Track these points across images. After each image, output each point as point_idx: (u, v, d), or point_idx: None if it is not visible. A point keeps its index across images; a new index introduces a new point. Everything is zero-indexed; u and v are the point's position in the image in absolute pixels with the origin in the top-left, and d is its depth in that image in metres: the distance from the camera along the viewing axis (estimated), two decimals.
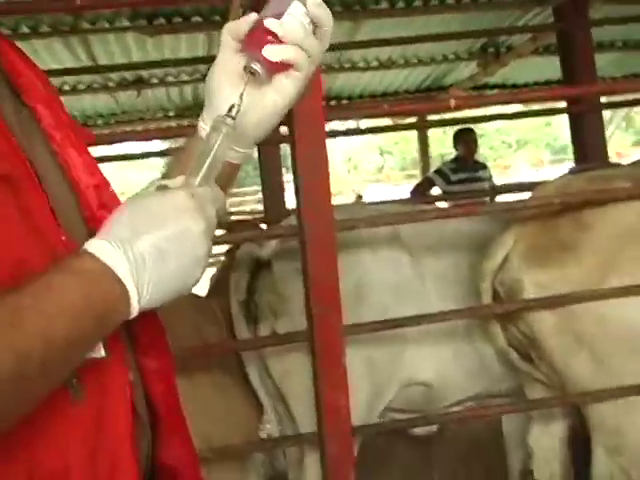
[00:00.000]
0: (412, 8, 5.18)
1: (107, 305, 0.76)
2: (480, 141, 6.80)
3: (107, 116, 7.41)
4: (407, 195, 6.75)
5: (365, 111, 3.31)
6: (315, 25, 0.93)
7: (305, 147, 2.08)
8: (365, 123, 11.63)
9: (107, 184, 0.97)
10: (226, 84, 0.96)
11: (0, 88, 0.90)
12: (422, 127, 8.17)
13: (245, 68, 0.92)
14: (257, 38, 0.91)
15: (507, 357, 2.88)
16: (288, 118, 2.17)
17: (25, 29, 4.70)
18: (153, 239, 0.79)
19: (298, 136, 2.06)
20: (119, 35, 5.07)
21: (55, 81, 5.70)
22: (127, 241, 0.78)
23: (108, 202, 0.94)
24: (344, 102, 7.73)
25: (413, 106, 4.59)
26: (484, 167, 6.65)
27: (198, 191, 0.84)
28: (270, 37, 0.91)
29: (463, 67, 6.98)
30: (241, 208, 12.81)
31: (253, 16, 0.93)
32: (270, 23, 0.90)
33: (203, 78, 6.26)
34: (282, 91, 0.95)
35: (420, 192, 6.45)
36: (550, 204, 2.59)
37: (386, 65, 6.65)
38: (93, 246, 0.79)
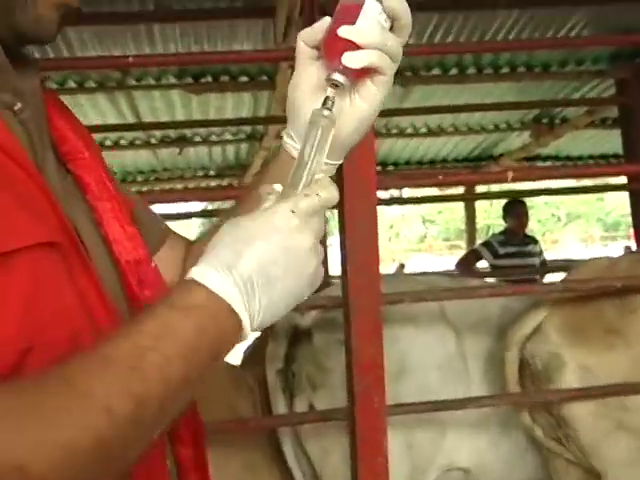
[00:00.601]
0: (465, 75, 5.22)
1: (222, 338, 0.77)
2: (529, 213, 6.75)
3: (147, 172, 7.53)
4: (451, 267, 6.69)
5: (419, 181, 3.28)
6: (392, 20, 0.90)
7: (355, 215, 2.06)
8: (409, 191, 11.63)
9: (148, 259, 0.96)
10: (309, 94, 0.95)
11: (46, 153, 0.90)
12: (471, 199, 8.14)
13: (327, 80, 0.89)
14: (334, 45, 0.88)
15: (534, 436, 2.82)
16: (337, 182, 2.15)
17: (72, 84, 4.82)
18: (259, 261, 0.78)
19: (348, 203, 2.04)
20: (165, 92, 5.18)
21: (97, 136, 5.83)
22: (233, 266, 0.77)
23: (147, 278, 0.93)
24: (389, 169, 7.77)
25: (467, 177, 4.56)
26: (535, 242, 6.57)
27: (301, 205, 0.81)
28: (348, 42, 0.87)
29: (515, 137, 6.99)
30: None
31: (327, 20, 0.91)
32: (345, 32, 0.87)
33: (248, 138, 6.38)
34: (368, 97, 0.93)
35: (466, 265, 6.38)
36: (610, 286, 2.52)
37: (435, 132, 6.69)
38: (199, 275, 0.78)
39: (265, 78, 5.02)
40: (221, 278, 0.77)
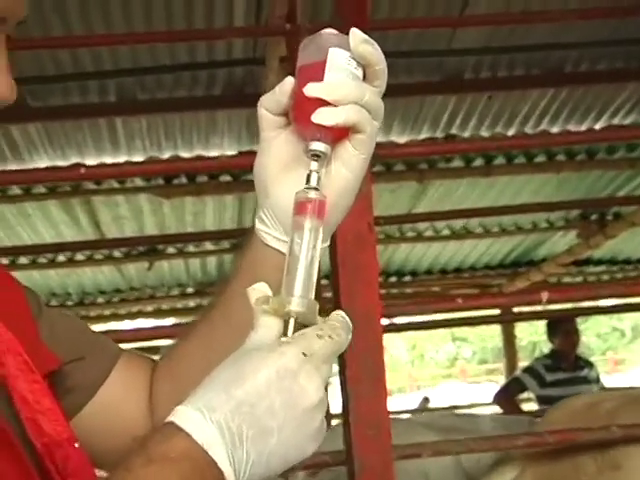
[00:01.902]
0: (492, 166, 5.30)
1: None
2: (584, 326, 6.74)
3: (111, 292, 7.56)
4: (489, 397, 6.64)
5: (433, 306, 3.30)
6: (364, 67, 0.91)
7: (357, 351, 2.06)
8: None
9: (71, 438, 0.97)
10: (281, 171, 0.96)
11: None
12: (507, 321, 8.14)
13: (306, 152, 0.90)
14: (304, 108, 0.89)
15: None
16: None
17: (17, 190, 4.90)
18: (253, 408, 0.80)
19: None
20: (130, 197, 5.26)
21: (50, 250, 5.89)
22: (220, 409, 0.79)
23: (69, 464, 0.94)
24: (406, 279, 7.80)
25: (493, 299, 4.59)
26: (590, 365, 6.52)
27: (315, 348, 0.82)
28: (319, 102, 0.88)
29: (559, 238, 7.04)
30: None
31: (289, 81, 0.92)
32: (312, 89, 0.88)
33: (232, 248, 6.44)
34: (349, 162, 0.94)
35: (507, 397, 6.32)
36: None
37: (460, 234, 6.74)
38: (181, 417, 0.80)
39: (252, 177, 5.10)
40: (204, 421, 0.79)
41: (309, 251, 0.88)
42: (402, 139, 4.79)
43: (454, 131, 4.79)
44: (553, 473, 2.70)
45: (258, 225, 1.00)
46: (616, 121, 4.84)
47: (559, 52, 4.16)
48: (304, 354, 0.82)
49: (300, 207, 0.89)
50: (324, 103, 0.88)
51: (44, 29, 3.45)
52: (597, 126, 4.87)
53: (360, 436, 2.16)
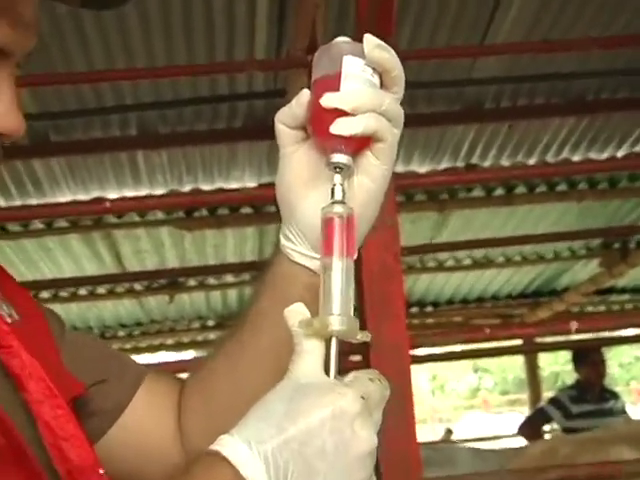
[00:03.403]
0: (513, 195, 5.29)
1: None
2: (606, 356, 6.67)
3: (131, 326, 7.57)
4: (512, 429, 6.58)
5: (460, 336, 3.28)
6: (380, 74, 0.89)
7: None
8: None
9: (95, 465, 0.96)
10: (303, 186, 0.95)
11: None
12: (531, 352, 8.10)
13: (328, 165, 0.89)
14: (323, 120, 0.87)
15: None
16: (363, 348, 2.16)
17: (38, 224, 4.92)
18: (303, 447, 0.78)
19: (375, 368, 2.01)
20: (151, 230, 5.28)
21: (71, 283, 5.91)
22: (269, 442, 0.78)
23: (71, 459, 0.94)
24: (428, 309, 7.77)
25: (522, 329, 4.58)
26: (616, 397, 6.45)
27: (369, 389, 0.81)
28: (337, 112, 0.86)
29: (581, 267, 7.00)
30: None
31: (305, 94, 0.90)
32: (329, 100, 0.86)
33: (252, 280, 6.43)
34: (371, 172, 0.92)
35: (531, 429, 6.26)
36: None
37: (481, 264, 6.72)
38: (228, 446, 0.79)
39: (273, 209, 5.12)
40: (251, 457, 0.77)
41: (344, 265, 0.86)
42: (423, 169, 4.79)
43: (475, 161, 4.78)
44: None
45: (284, 242, 0.99)
46: (638, 149, 4.82)
47: (580, 81, 4.16)
48: (362, 398, 0.80)
49: (328, 223, 0.87)
50: (342, 113, 0.86)
51: (67, 64, 3.48)
52: (619, 154, 4.86)
53: (390, 469, 2.14)
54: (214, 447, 0.80)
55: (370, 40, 0.87)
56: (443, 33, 3.68)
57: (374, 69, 0.88)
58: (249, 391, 0.91)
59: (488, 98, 4.25)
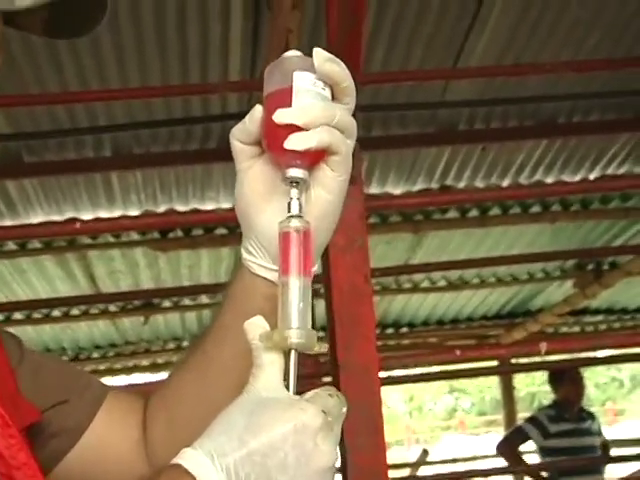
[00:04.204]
0: (487, 217, 5.32)
1: None
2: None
3: (106, 347, 7.53)
4: (489, 450, 6.57)
5: (431, 358, 3.30)
6: (331, 86, 0.89)
7: (354, 409, 2.04)
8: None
9: (32, 467, 0.96)
10: (260, 200, 0.97)
11: None
12: (505, 373, 8.12)
13: (284, 180, 0.90)
14: (276, 135, 0.89)
15: None
16: (333, 369, 2.16)
17: (12, 245, 4.90)
18: (264, 459, 0.79)
19: (345, 390, 2.02)
20: (126, 251, 5.26)
21: (45, 305, 5.88)
22: (231, 455, 0.79)
23: None
24: (403, 330, 7.78)
25: (491, 351, 4.60)
26: (592, 417, 6.45)
27: (329, 404, 0.83)
28: (290, 127, 0.88)
29: (555, 288, 7.04)
30: None
31: (258, 110, 0.92)
32: (281, 116, 0.87)
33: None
34: (328, 184, 0.93)
35: (509, 448, 6.25)
36: None
37: (456, 285, 6.74)
38: (190, 460, 0.80)
39: None
40: (213, 470, 0.78)
41: (300, 280, 0.87)
42: (397, 190, 4.80)
43: (449, 182, 4.80)
44: None
45: (245, 255, 1.00)
46: (610, 171, 4.85)
47: (552, 104, 4.18)
48: (324, 412, 0.81)
49: (284, 237, 0.89)
50: (295, 128, 0.87)
51: (40, 85, 3.47)
52: (591, 176, 4.89)
53: None
54: (176, 460, 0.80)
55: (320, 54, 0.88)
56: (416, 56, 3.70)
57: (325, 82, 0.89)
58: (213, 403, 0.91)
59: (461, 120, 4.27)
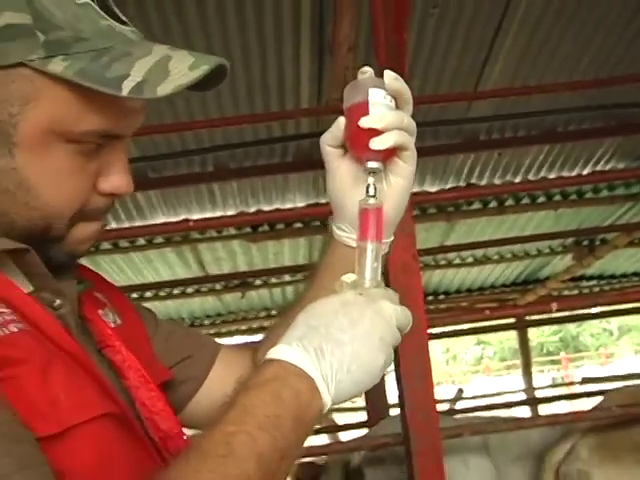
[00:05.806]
0: (504, 207, 5.23)
1: (299, 400, 0.77)
2: (580, 329, 6.57)
3: (214, 316, 7.58)
4: (510, 388, 6.48)
5: (466, 317, 3.24)
6: (395, 98, 0.91)
7: (408, 356, 2.02)
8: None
9: (180, 433, 0.96)
10: (348, 188, 0.97)
11: (87, 343, 0.92)
12: (521, 327, 7.98)
13: (365, 170, 0.91)
14: (359, 137, 0.89)
15: None
16: None
17: (142, 241, 4.96)
18: (327, 329, 0.80)
19: (401, 346, 1.99)
20: (226, 242, 5.28)
21: (167, 285, 5.94)
22: (303, 336, 0.80)
23: (162, 429, 0.93)
24: (441, 297, 7.69)
25: (513, 310, 4.53)
26: None
27: (367, 287, 0.85)
28: (370, 131, 0.88)
29: (558, 260, 6.88)
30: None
31: (342, 120, 0.93)
32: (366, 122, 0.88)
33: (304, 279, 6.42)
34: (402, 173, 0.95)
35: None
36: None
37: (481, 261, 6.63)
38: (273, 352, 0.81)
39: (318, 223, 5.10)
40: (290, 348, 0.79)
41: (374, 245, 0.88)
42: (433, 188, 4.74)
43: (473, 180, 4.72)
44: (609, 438, 2.65)
45: (339, 232, 1.01)
46: (599, 167, 4.74)
47: (552, 116, 4.09)
48: (360, 293, 0.83)
49: (363, 211, 0.89)
50: (374, 131, 0.88)
51: (158, 117, 3.49)
52: (584, 172, 4.78)
53: (414, 421, 2.11)
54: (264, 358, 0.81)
55: (390, 74, 0.90)
56: (445, 82, 3.64)
57: (391, 96, 0.90)
58: None
59: (482, 132, 4.20)
